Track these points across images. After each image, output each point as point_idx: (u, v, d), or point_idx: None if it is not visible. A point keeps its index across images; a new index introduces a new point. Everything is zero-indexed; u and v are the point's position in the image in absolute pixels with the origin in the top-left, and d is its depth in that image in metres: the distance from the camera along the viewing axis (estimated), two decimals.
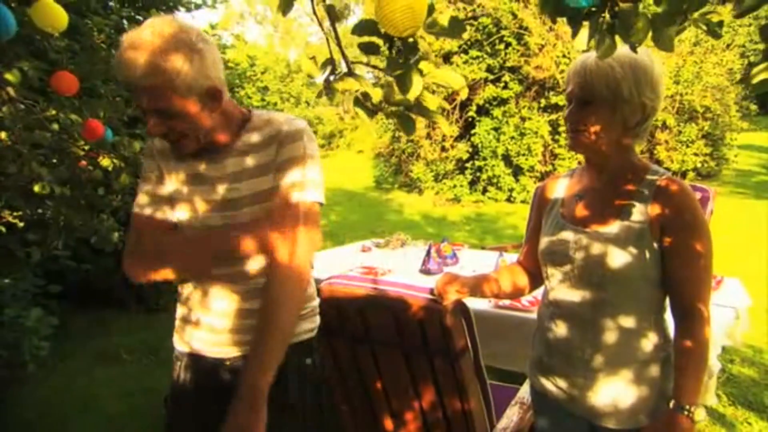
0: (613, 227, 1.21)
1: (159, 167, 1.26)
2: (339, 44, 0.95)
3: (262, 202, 1.19)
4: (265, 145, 1.20)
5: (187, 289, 1.29)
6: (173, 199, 1.25)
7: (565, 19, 0.89)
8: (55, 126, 1.82)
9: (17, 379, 2.93)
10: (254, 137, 1.21)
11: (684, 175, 10.03)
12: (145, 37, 1.05)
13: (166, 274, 1.22)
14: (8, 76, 1.59)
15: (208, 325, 1.25)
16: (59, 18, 1.41)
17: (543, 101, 9.59)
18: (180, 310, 1.32)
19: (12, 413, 2.87)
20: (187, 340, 1.29)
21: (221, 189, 1.21)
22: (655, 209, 1.18)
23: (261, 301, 1.17)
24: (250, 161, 1.20)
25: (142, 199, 1.26)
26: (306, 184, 1.18)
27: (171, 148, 1.21)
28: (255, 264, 1.21)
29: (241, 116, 1.24)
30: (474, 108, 9.90)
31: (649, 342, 1.22)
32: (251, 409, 1.08)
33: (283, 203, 1.17)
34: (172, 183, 1.25)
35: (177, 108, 1.10)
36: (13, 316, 2.61)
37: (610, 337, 1.22)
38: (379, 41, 0.93)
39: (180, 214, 1.24)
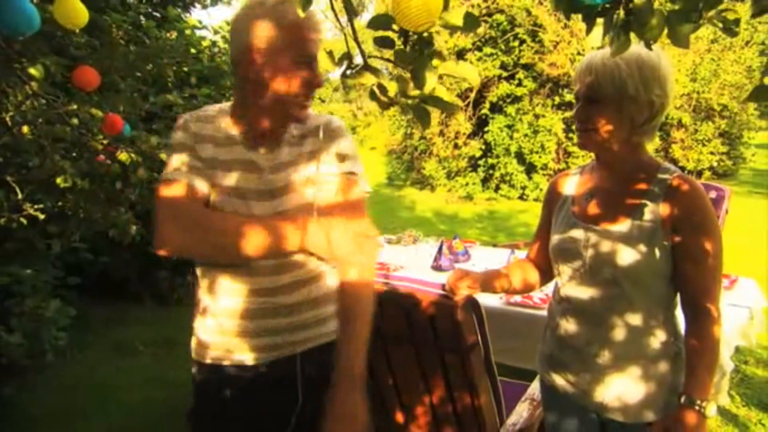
0: (624, 225, 1.21)
1: (194, 148, 1.16)
2: (356, 39, 0.96)
3: (307, 189, 1.21)
4: (313, 134, 1.23)
5: (236, 284, 1.17)
6: (213, 184, 1.16)
7: (579, 16, 0.89)
8: (75, 120, 1.86)
9: (37, 369, 3.00)
10: (300, 127, 1.23)
11: (700, 174, 9.91)
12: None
13: (204, 250, 1.13)
14: (32, 71, 1.63)
15: (282, 322, 1.19)
16: (80, 15, 1.44)
17: (557, 99, 9.51)
18: (231, 306, 1.18)
19: (32, 401, 2.94)
20: (255, 333, 1.18)
21: (273, 177, 1.18)
22: (666, 208, 1.18)
23: (337, 290, 1.21)
24: (303, 150, 1.22)
25: (175, 166, 1.15)
26: (362, 176, 1.25)
27: (240, 134, 1.18)
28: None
29: None
30: (487, 105, 9.84)
31: (657, 338, 1.23)
32: (353, 395, 1.12)
33: (345, 195, 1.21)
34: (213, 168, 1.16)
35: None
36: (33, 306, 2.67)
37: (621, 333, 1.23)
38: (394, 36, 0.94)
39: (223, 200, 1.16)
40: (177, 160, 1.15)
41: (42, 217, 2.06)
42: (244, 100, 1.19)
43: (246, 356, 1.19)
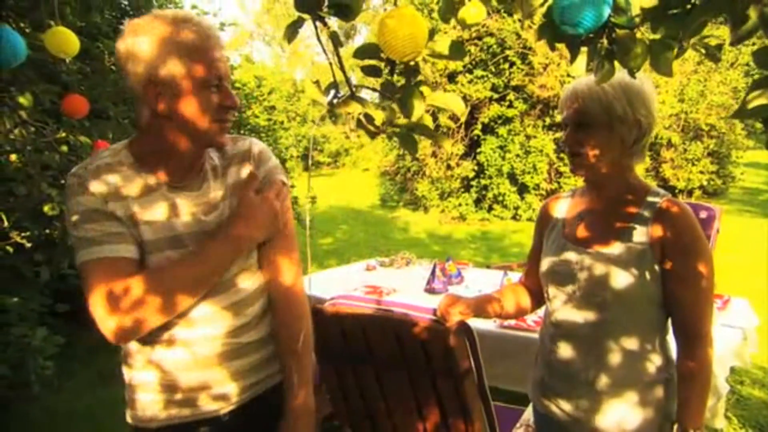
0: (616, 248, 1.21)
1: (105, 210, 1.01)
2: (342, 69, 0.97)
3: None
4: (238, 162, 1.16)
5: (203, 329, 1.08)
6: (143, 241, 1.04)
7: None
8: (65, 148, 1.85)
9: (21, 399, 2.93)
10: (220, 155, 1.15)
11: (690, 193, 9.99)
12: None
13: (163, 317, 1.02)
14: (21, 100, 1.63)
15: (244, 368, 1.14)
16: (72, 44, 1.45)
17: (548, 119, 9.63)
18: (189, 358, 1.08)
19: None
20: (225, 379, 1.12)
21: (207, 219, 1.09)
22: (656, 231, 1.18)
23: (273, 326, 1.17)
24: (228, 181, 1.14)
25: (90, 238, 1.00)
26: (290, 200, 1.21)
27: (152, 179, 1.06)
28: (249, 287, 1.14)
29: None
30: (479, 127, 9.95)
31: (652, 363, 1.21)
32: (309, 428, 1.14)
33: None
34: (135, 226, 1.04)
35: None
36: (19, 335, 2.62)
37: (614, 358, 1.21)
38: (381, 64, 0.95)
39: (159, 255, 1.05)
40: (90, 232, 0.99)
41: (29, 245, 2.04)
42: (153, 137, 1.06)
43: (213, 406, 1.11)
